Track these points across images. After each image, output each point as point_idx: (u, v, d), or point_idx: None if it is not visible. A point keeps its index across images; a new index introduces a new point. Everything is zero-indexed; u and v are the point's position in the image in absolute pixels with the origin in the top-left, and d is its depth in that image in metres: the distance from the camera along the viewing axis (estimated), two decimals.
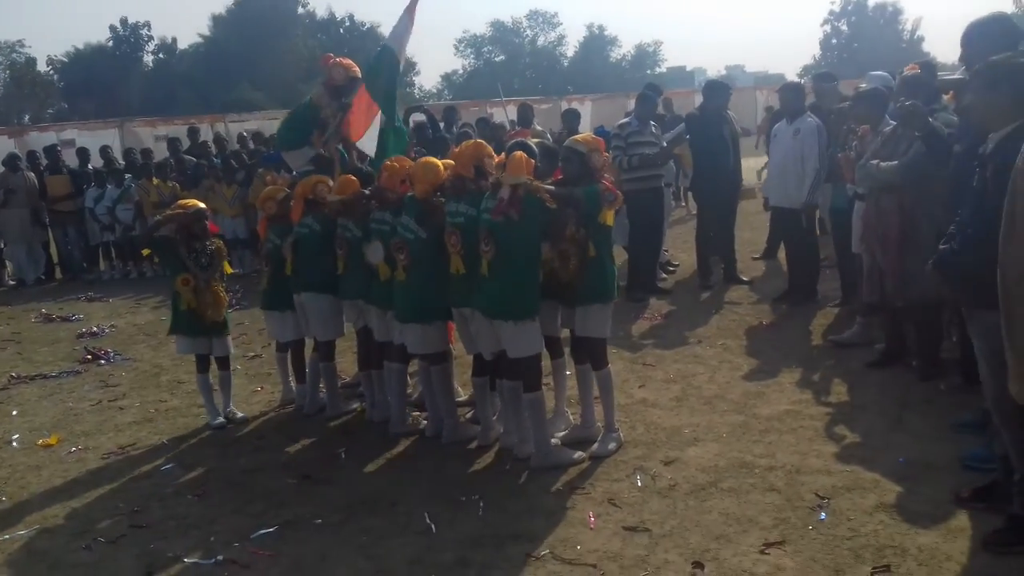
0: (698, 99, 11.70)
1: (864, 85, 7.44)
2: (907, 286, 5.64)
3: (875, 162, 5.78)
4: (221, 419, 6.07)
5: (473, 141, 5.27)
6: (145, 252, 6.49)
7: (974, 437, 4.66)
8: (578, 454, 4.95)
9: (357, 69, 6.66)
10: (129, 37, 58.30)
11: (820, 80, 8.95)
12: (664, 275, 9.64)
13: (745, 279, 9.20)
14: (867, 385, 5.80)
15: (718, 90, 9.41)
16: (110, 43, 57.85)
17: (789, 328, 7.40)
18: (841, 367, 6.21)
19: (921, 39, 64.27)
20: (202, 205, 6.23)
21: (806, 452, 4.81)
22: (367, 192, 5.76)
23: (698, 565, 3.76)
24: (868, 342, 6.54)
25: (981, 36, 4.79)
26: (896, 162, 5.63)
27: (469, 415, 5.74)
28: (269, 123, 23.04)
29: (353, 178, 5.91)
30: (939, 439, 4.83)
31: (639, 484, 4.59)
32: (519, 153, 4.77)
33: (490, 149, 5.19)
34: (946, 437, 4.83)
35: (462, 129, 10.98)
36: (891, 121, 6.03)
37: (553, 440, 5.04)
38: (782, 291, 8.32)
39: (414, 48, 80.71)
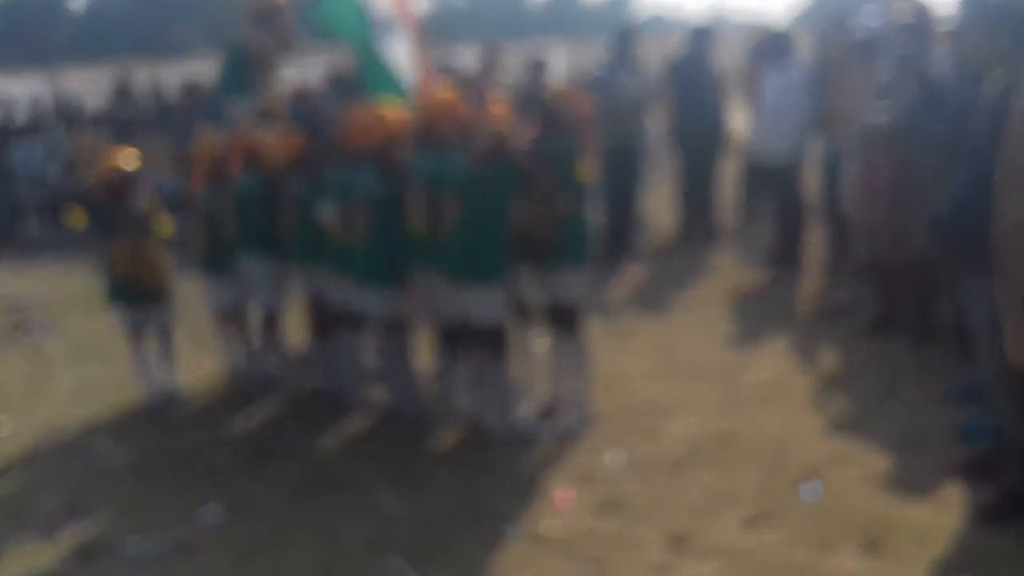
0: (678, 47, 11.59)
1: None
2: (900, 245, 5.68)
3: (864, 117, 5.79)
4: (158, 392, 5.99)
5: (441, 94, 5.20)
6: (77, 214, 6.35)
7: (970, 406, 4.73)
8: (549, 428, 4.96)
9: None
10: None
11: None
12: (641, 236, 9.63)
13: (727, 238, 9.23)
14: (857, 352, 5.85)
15: (700, 37, 9.35)
16: None
17: (775, 293, 7.43)
18: (830, 333, 6.26)
19: None
20: (128, 166, 5.99)
21: (792, 423, 4.86)
22: (320, 143, 5.67)
23: (678, 541, 3.79)
24: (859, 306, 6.59)
25: None
26: (888, 115, 5.63)
27: (432, 387, 5.72)
28: (208, 66, 22.68)
29: (298, 133, 5.81)
30: (933, 408, 4.89)
31: (615, 459, 4.61)
32: (499, 105, 4.72)
33: (456, 100, 5.15)
34: (940, 406, 4.90)
35: None
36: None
37: (522, 414, 5.04)
38: (770, 252, 8.37)
39: None
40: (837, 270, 7.45)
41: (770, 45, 8.48)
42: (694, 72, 9.00)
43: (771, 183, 8.24)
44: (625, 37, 9.22)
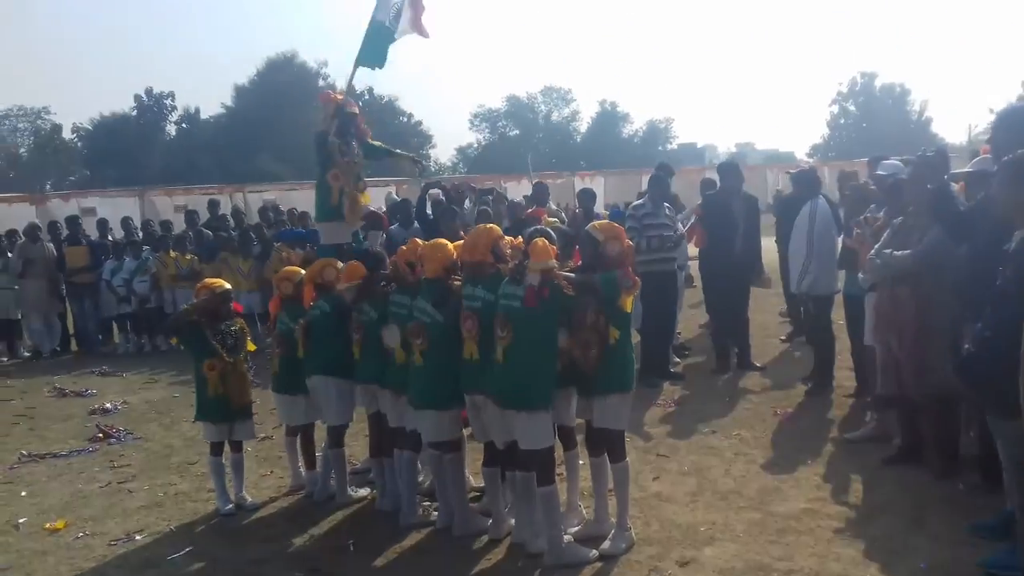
0: (708, 176, 11.80)
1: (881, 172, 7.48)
2: (924, 378, 5.56)
3: (888, 251, 5.76)
4: (231, 506, 5.97)
5: (485, 226, 5.27)
6: (173, 340, 6.48)
7: (996, 541, 4.54)
8: (592, 552, 4.84)
9: (354, 106, 7.01)
10: (153, 107, 59.40)
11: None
12: (677, 359, 9.56)
13: (759, 365, 9.12)
14: (884, 482, 5.68)
15: (731, 171, 9.44)
16: (134, 112, 58.90)
17: (805, 418, 7.30)
18: (858, 462, 6.09)
19: (929, 120, 64.93)
20: (227, 286, 6.20)
21: (825, 555, 4.69)
22: (384, 273, 5.78)
23: None
24: (884, 436, 6.42)
25: (1012, 126, 4.77)
26: (911, 251, 5.59)
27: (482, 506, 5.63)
28: (287, 194, 23.41)
29: (359, 263, 5.92)
30: (959, 542, 4.70)
31: None
32: (543, 240, 4.76)
33: (500, 231, 5.22)
34: (967, 540, 4.70)
35: (481, 207, 11.03)
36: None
37: (566, 536, 4.93)
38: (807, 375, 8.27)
39: (430, 122, 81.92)
40: (863, 399, 7.32)
41: (800, 180, 8.56)
42: (724, 204, 9.04)
43: (804, 311, 8.20)
44: (661, 175, 9.31)
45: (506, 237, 5.25)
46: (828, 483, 5.76)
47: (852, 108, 66.96)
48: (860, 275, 6.52)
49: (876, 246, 5.93)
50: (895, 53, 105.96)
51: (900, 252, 5.65)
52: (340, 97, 7.49)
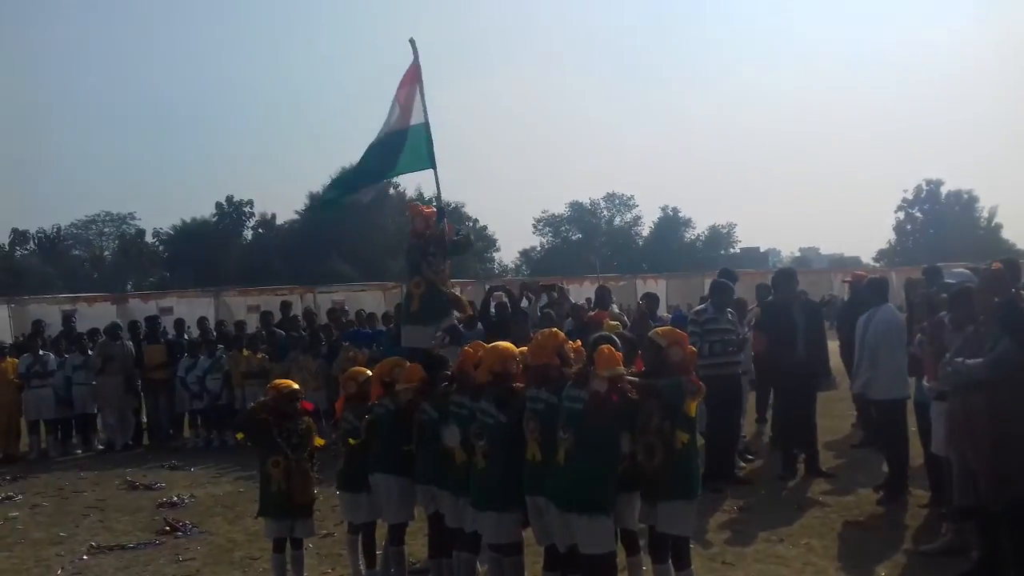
0: (762, 281, 11.76)
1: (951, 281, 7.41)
2: (1002, 488, 5.35)
3: (960, 359, 5.62)
4: None
5: (551, 330, 5.29)
6: (239, 436, 6.61)
7: None
8: None
9: (434, 215, 7.22)
10: (232, 213, 61.67)
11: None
12: (743, 464, 9.33)
13: (827, 472, 8.84)
14: None
15: (785, 278, 9.39)
16: (214, 218, 61.18)
17: (877, 528, 7.02)
18: (934, 575, 5.81)
19: (999, 227, 63.60)
20: (296, 386, 6.30)
21: None
22: (447, 374, 5.82)
23: None
24: (961, 549, 6.13)
25: None
26: (983, 359, 5.46)
27: None
28: (356, 295, 23.89)
29: (418, 365, 5.97)
30: None
31: None
32: (608, 346, 4.76)
33: (565, 336, 5.22)
34: None
35: (544, 310, 11.09)
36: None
37: None
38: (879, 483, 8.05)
39: (495, 227, 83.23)
40: (938, 509, 7.03)
41: (869, 288, 8.49)
42: (782, 307, 8.95)
43: (877, 418, 8.05)
44: (725, 283, 9.27)
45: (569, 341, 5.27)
46: None
47: (919, 215, 66.18)
48: (924, 383, 6.39)
49: (948, 354, 5.80)
50: (961, 160, 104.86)
51: (972, 360, 5.51)
52: (428, 211, 7.61)
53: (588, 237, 69.90)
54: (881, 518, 7.30)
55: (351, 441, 6.10)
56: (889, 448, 8.06)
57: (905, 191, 66.90)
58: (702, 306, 9.05)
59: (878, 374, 7.78)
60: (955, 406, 5.78)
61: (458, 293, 7.83)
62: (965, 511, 5.92)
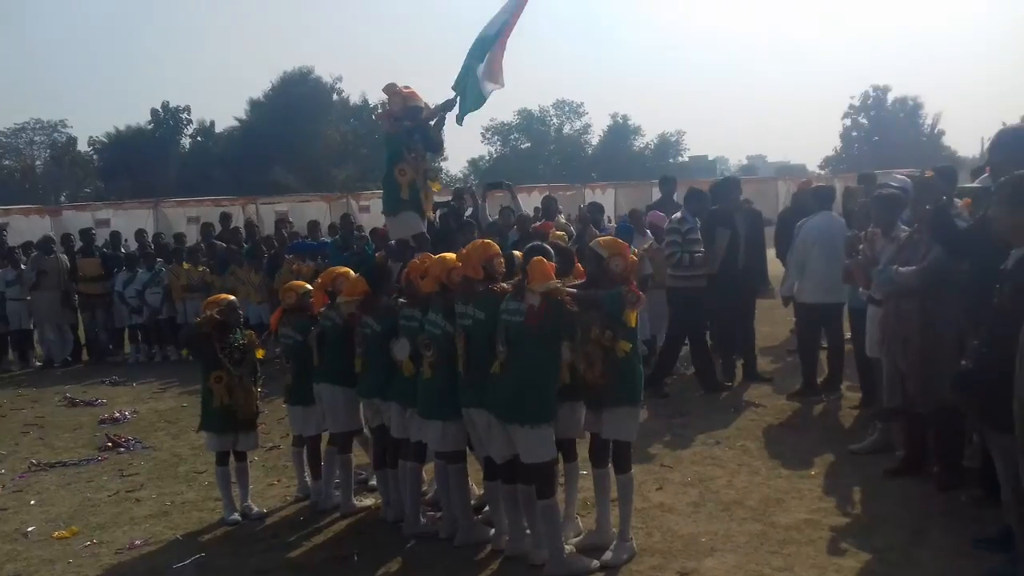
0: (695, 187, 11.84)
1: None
2: (929, 390, 5.57)
3: (894, 267, 5.77)
4: (236, 515, 6.02)
5: (481, 242, 5.27)
6: (184, 352, 6.58)
7: (997, 554, 4.53)
8: (593, 563, 4.85)
9: (417, 98, 7.05)
10: (168, 120, 59.71)
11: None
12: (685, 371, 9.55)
13: (766, 377, 9.11)
14: (887, 494, 5.67)
15: (727, 187, 9.46)
16: (150, 125, 59.23)
17: (809, 429, 7.29)
18: (860, 473, 6.09)
19: (942, 133, 64.34)
20: (231, 298, 6.30)
21: (825, 566, 4.69)
22: (393, 286, 5.82)
23: None
24: (888, 448, 6.42)
25: (1010, 144, 4.79)
26: (915, 266, 5.62)
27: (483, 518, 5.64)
28: (300, 206, 23.52)
29: (361, 278, 5.93)
30: (961, 554, 4.69)
31: None
32: (540, 259, 4.78)
33: (497, 248, 5.23)
34: (968, 552, 4.69)
35: (493, 218, 11.05)
36: (903, 227, 6.07)
37: (567, 547, 4.94)
38: (796, 387, 8.34)
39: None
40: (867, 410, 7.32)
41: (814, 195, 8.61)
42: (726, 219, 9.03)
43: (797, 320, 8.33)
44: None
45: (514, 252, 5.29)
46: (830, 494, 5.76)
47: (864, 122, 66.60)
48: (860, 289, 6.55)
49: (883, 261, 5.94)
50: (908, 66, 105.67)
51: (905, 268, 5.66)
52: (407, 91, 7.43)
53: (537, 146, 69.25)
54: (814, 420, 7.59)
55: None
56: (801, 349, 8.45)
57: (852, 97, 67.13)
58: (680, 215, 8.98)
59: (807, 279, 7.99)
60: (887, 311, 5.96)
61: (435, 183, 7.83)
62: (893, 412, 6.18)
